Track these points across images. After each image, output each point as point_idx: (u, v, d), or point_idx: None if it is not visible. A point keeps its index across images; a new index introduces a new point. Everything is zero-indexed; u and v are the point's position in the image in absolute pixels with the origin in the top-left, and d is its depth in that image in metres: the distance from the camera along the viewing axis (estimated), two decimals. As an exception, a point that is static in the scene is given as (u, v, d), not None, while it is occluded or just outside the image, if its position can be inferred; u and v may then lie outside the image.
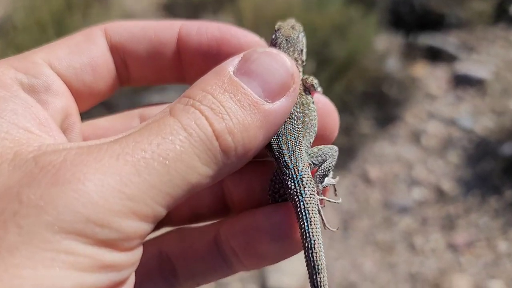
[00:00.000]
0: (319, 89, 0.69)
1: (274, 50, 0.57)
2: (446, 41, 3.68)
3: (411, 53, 3.65)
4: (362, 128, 3.23)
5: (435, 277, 2.62)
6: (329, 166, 0.66)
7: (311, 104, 0.67)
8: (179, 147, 0.47)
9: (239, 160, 0.53)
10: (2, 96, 0.51)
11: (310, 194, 0.62)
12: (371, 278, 2.68)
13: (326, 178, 0.67)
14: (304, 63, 0.72)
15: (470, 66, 3.54)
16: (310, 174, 0.64)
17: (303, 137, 0.65)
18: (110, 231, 0.43)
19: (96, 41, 0.61)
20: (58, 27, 3.75)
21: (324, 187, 0.67)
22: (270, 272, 2.67)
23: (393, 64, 3.36)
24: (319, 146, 0.67)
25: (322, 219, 0.63)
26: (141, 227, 0.46)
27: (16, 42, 3.68)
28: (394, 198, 2.99)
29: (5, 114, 0.49)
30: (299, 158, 0.64)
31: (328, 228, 0.64)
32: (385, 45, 3.56)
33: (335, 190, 0.69)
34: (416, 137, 3.26)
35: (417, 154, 3.16)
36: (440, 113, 3.36)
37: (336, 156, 0.66)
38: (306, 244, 0.58)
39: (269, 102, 0.53)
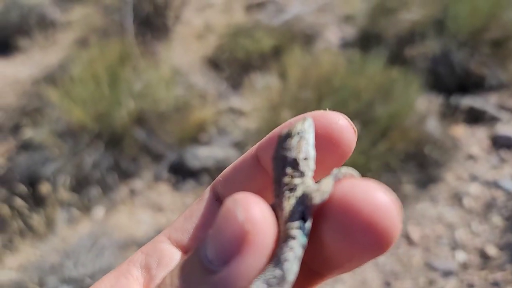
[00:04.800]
0: (318, 197, 0.45)
1: (229, 201, 0.46)
2: (487, 102, 3.73)
3: (451, 115, 3.70)
4: (404, 189, 3.27)
5: None
6: None
7: (289, 242, 0.47)
8: None
9: None
10: (116, 275, 0.59)
11: None
12: None
13: None
14: (306, 173, 0.50)
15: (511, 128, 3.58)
16: None
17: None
18: None
19: (204, 198, 0.68)
20: (111, 80, 4.00)
21: None
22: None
23: (433, 125, 3.42)
24: None
25: None
26: None
27: (72, 94, 3.93)
28: (437, 260, 2.98)
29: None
30: None
31: None
32: (426, 106, 3.63)
33: None
34: (458, 198, 3.27)
35: (459, 216, 3.17)
36: (482, 175, 3.37)
37: None
38: None
39: (222, 268, 0.45)
